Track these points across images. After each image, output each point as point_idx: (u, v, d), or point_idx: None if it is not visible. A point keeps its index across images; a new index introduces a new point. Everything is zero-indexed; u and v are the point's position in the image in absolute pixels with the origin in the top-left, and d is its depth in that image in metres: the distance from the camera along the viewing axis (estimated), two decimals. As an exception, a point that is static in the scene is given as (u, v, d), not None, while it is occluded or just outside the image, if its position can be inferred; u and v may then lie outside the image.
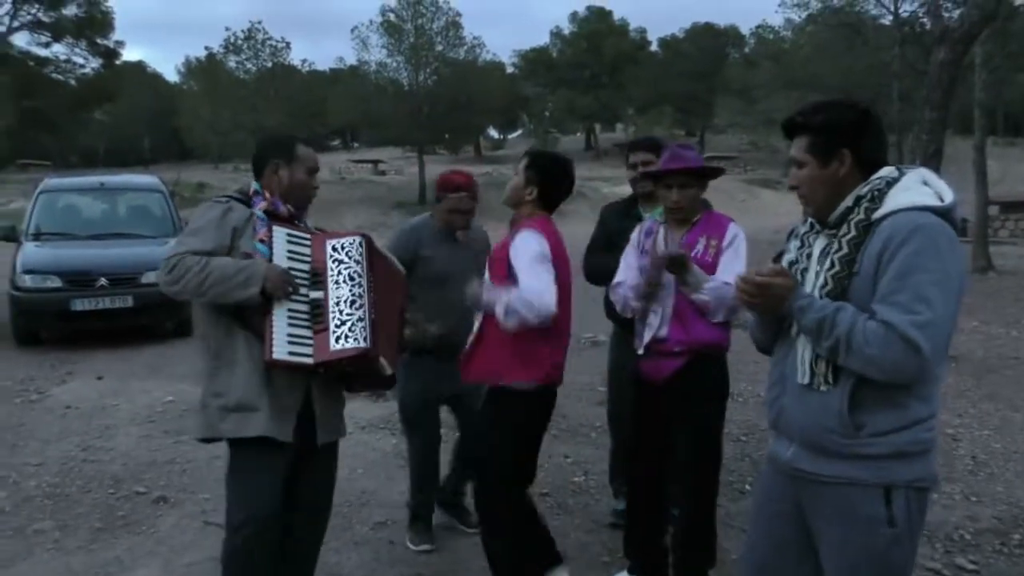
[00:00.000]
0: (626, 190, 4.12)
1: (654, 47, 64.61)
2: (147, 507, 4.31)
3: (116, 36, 39.31)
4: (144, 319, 8.86)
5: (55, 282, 8.52)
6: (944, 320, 1.84)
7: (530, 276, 2.81)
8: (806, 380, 2.01)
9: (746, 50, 59.76)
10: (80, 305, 8.52)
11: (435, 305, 3.45)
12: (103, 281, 8.59)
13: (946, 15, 14.13)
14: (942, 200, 1.93)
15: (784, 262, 2.16)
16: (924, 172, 2.02)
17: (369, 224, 27.10)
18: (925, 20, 23.98)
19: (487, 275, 3.07)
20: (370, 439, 5.39)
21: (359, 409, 5.86)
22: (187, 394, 6.20)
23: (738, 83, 46.49)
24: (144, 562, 3.67)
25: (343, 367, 2.60)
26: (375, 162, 50.90)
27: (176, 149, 50.71)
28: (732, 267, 3.03)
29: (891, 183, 1.97)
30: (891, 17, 30.15)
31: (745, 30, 63.72)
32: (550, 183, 3.05)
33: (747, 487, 4.50)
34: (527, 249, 2.87)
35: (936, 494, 4.31)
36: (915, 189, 1.95)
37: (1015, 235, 24.00)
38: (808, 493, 2.06)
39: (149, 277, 8.19)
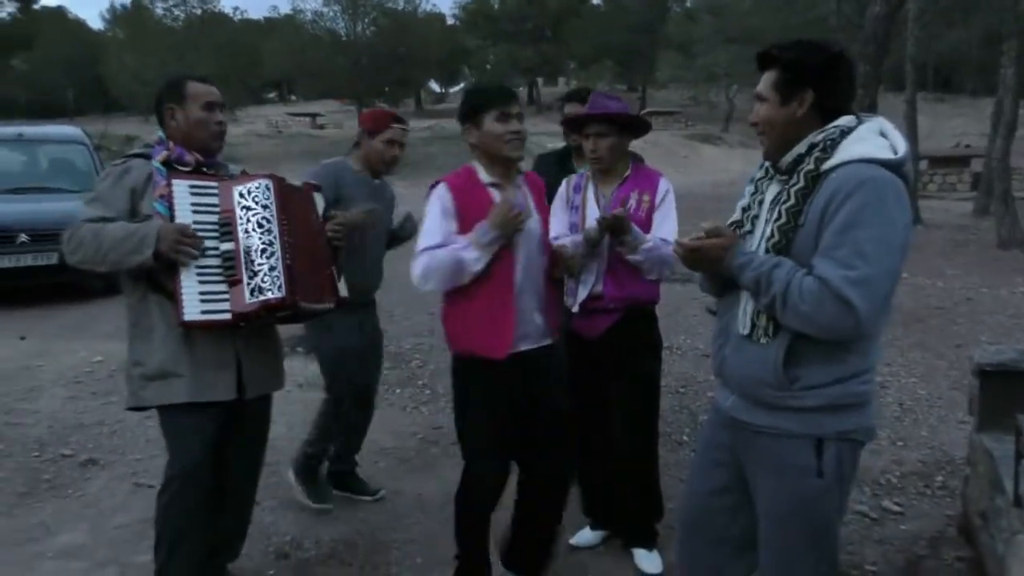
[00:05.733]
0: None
1: (596, 0, 64.05)
2: (74, 470, 4.17)
3: (33, -21, 37.34)
4: (69, 277, 8.23)
5: (-29, 239, 8.09)
6: (882, 276, 1.80)
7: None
8: (746, 331, 2.00)
9: (687, 4, 59.62)
10: (0, 263, 8.14)
11: (351, 252, 3.19)
12: (24, 237, 8.21)
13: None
14: (896, 152, 1.88)
15: (737, 207, 2.13)
16: (882, 122, 1.97)
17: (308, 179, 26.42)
18: (861, -25, 24.20)
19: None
20: (307, 397, 5.28)
21: (297, 367, 5.75)
22: (116, 354, 5.97)
23: (679, 38, 46.45)
24: (71, 526, 3.55)
25: (266, 318, 2.50)
26: (313, 115, 49.52)
27: (102, 100, 48.46)
28: (666, 223, 3.01)
29: (845, 132, 1.92)
30: (828, -29, 30.35)
31: (686, -16, 63.49)
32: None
33: (684, 438, 4.57)
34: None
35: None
36: (870, 140, 1.90)
37: (943, 189, 24.63)
38: (744, 442, 2.09)
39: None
